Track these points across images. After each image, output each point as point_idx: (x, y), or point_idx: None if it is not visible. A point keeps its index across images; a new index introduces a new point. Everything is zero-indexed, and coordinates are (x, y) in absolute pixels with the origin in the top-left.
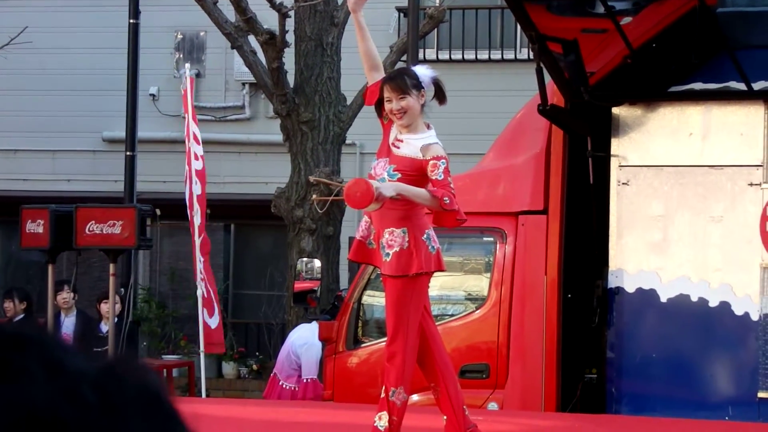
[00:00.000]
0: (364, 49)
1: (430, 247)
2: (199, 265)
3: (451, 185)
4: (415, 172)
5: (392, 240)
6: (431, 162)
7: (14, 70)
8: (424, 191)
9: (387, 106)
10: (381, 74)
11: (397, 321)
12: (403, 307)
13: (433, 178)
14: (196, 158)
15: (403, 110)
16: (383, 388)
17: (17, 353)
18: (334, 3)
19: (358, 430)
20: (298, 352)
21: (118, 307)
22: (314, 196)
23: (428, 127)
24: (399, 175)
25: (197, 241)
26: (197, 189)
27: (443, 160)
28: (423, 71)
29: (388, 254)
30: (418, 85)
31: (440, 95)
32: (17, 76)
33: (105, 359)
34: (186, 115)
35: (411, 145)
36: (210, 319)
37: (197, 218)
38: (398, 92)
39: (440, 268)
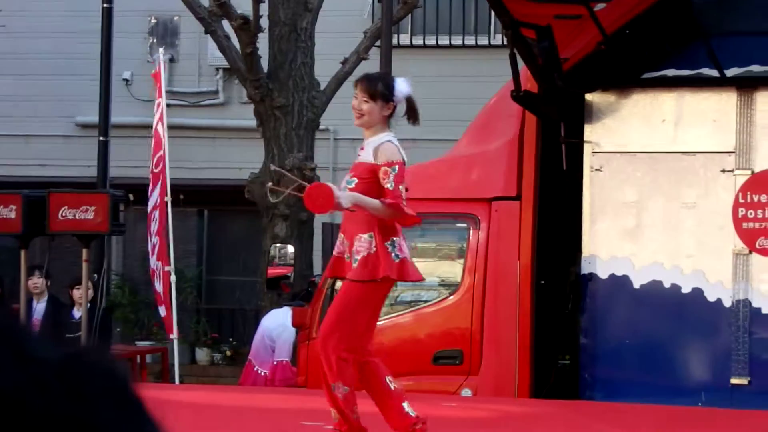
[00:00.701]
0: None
1: (393, 255)
2: (171, 251)
3: (402, 194)
4: (369, 176)
5: (360, 246)
6: (382, 169)
7: None
8: (377, 203)
9: (353, 101)
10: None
11: (337, 317)
12: (347, 307)
13: (385, 186)
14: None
15: (360, 112)
16: None
17: None
18: None
19: (330, 416)
20: (273, 335)
21: (90, 292)
22: (270, 184)
23: (388, 127)
24: (356, 181)
25: (170, 226)
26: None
27: (395, 167)
28: (402, 86)
29: (356, 260)
30: (387, 96)
31: (412, 114)
32: None
33: (73, 347)
34: (159, 100)
35: (367, 149)
36: (160, 308)
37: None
38: (365, 94)
39: (402, 278)
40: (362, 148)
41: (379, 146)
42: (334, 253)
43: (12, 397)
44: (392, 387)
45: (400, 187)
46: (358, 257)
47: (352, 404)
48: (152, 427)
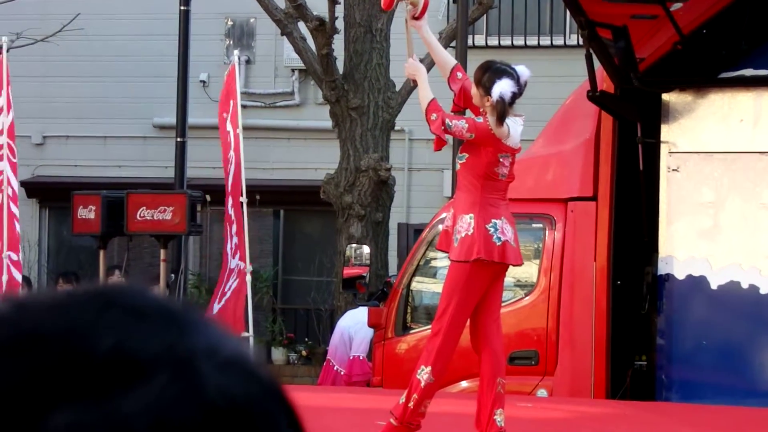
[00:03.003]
0: (438, 59)
1: (494, 237)
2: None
3: (455, 126)
4: (464, 148)
5: (461, 226)
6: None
7: (66, 56)
8: (428, 97)
9: None
10: (461, 74)
11: (446, 302)
12: (453, 290)
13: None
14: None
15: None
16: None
17: None
18: None
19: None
20: (351, 332)
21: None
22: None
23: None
24: (466, 156)
25: (246, 227)
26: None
27: (481, 117)
28: (499, 87)
29: (456, 239)
30: (486, 89)
31: (498, 116)
32: (69, 63)
33: (258, 382)
34: (231, 101)
35: None
36: (216, 304)
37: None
38: (474, 77)
39: (504, 260)
40: None
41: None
42: (443, 227)
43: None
44: (498, 389)
45: (462, 122)
46: (458, 237)
47: (427, 397)
48: None
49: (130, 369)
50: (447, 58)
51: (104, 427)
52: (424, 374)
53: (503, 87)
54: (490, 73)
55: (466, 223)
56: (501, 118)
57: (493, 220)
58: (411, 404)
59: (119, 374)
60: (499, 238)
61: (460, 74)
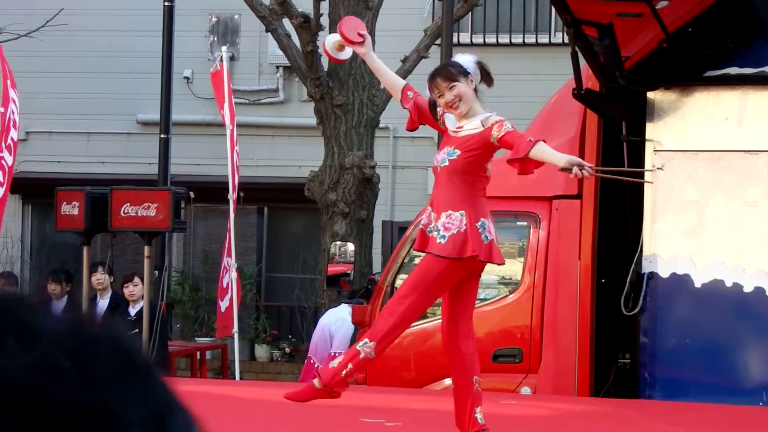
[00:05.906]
0: (386, 82)
1: (483, 236)
2: (233, 249)
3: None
4: (476, 146)
5: (449, 222)
6: (495, 125)
7: (49, 52)
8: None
9: (440, 101)
10: (412, 93)
11: (410, 289)
12: (421, 281)
13: (504, 132)
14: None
15: (457, 97)
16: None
17: None
18: None
19: (390, 413)
20: (332, 329)
21: (140, 289)
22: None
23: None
24: (459, 152)
25: (232, 224)
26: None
27: (507, 121)
28: (465, 58)
29: (444, 236)
30: (464, 72)
31: (486, 78)
32: (52, 59)
33: (76, 321)
34: (226, 99)
35: (471, 123)
36: (221, 302)
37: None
38: (447, 82)
39: (490, 260)
40: (460, 127)
41: (489, 117)
42: (421, 225)
43: (24, 384)
44: (475, 387)
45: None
46: (447, 234)
47: (359, 371)
48: (168, 398)
49: None
50: (396, 80)
51: None
52: (366, 347)
53: (465, 58)
54: (449, 64)
55: (457, 219)
56: (489, 75)
57: (481, 219)
58: (343, 373)
59: None
60: (486, 237)
61: (411, 93)
